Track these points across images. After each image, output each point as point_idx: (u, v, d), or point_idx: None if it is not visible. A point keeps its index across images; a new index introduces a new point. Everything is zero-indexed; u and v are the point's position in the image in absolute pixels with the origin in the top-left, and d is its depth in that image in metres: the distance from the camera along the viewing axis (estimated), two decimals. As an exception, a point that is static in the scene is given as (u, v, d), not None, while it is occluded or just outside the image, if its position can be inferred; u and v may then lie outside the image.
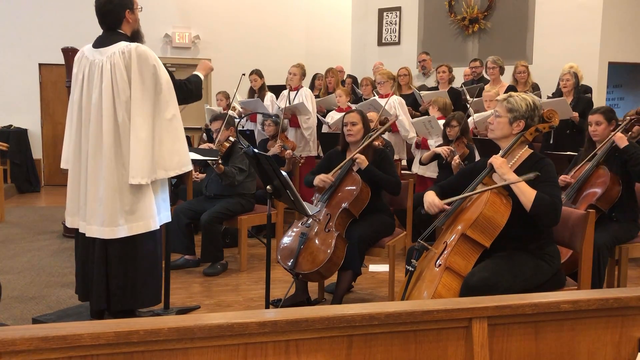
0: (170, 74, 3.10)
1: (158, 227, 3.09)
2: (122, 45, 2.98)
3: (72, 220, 3.17)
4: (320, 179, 3.69)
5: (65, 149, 3.24)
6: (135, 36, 3.14)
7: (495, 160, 2.65)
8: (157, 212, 3.09)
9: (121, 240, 3.00)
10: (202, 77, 3.43)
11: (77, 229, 3.16)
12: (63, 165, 3.26)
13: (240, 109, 6.44)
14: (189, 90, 3.25)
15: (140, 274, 3.07)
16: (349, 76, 8.14)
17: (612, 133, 3.64)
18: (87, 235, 3.06)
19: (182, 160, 3.06)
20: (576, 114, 5.30)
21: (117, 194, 2.97)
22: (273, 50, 9.64)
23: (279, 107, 6.12)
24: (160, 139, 2.99)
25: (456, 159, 4.44)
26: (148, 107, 2.95)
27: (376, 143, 3.79)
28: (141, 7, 3.23)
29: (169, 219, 3.27)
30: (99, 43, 3.08)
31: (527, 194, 2.52)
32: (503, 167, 2.62)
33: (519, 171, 2.66)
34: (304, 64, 6.39)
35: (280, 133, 5.74)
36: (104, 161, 2.96)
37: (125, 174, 2.96)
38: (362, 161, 3.65)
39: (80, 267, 3.18)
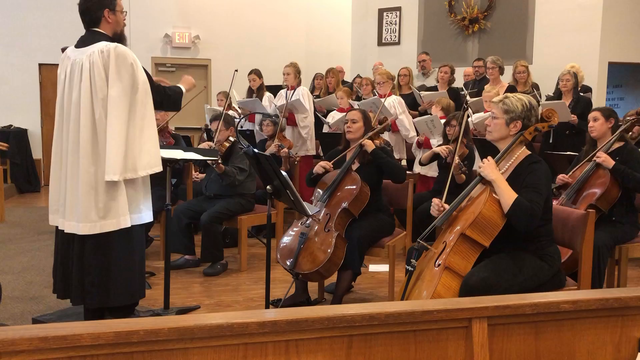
0: (149, 75, 3.13)
1: (129, 225, 3.09)
2: (102, 44, 3.02)
3: (53, 218, 3.22)
4: (320, 165, 3.71)
5: None
6: (118, 39, 3.15)
7: (482, 164, 2.67)
8: (134, 211, 3.11)
9: (96, 236, 3.03)
10: (184, 90, 3.43)
11: (57, 227, 3.19)
12: None
13: (239, 109, 6.43)
14: (166, 95, 3.27)
15: (113, 272, 3.09)
16: (359, 76, 8.14)
17: (596, 152, 3.65)
18: (65, 231, 3.09)
19: (151, 160, 3.08)
20: (575, 117, 5.31)
21: (92, 190, 3.00)
22: (273, 50, 9.64)
23: (276, 106, 6.11)
24: (133, 139, 3.02)
25: (455, 159, 4.44)
26: (124, 105, 2.99)
27: (376, 142, 3.80)
28: (125, 12, 3.26)
29: (151, 219, 3.28)
30: (81, 43, 3.12)
31: (506, 197, 2.53)
32: (487, 169, 2.62)
33: (515, 172, 2.66)
34: (296, 62, 6.37)
35: (278, 132, 5.74)
36: (81, 158, 3.00)
37: (100, 171, 2.99)
38: (369, 145, 3.66)
39: (60, 265, 3.19)
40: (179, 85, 3.44)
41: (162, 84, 3.40)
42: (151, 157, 3.07)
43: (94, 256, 3.05)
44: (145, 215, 3.20)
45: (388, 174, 3.73)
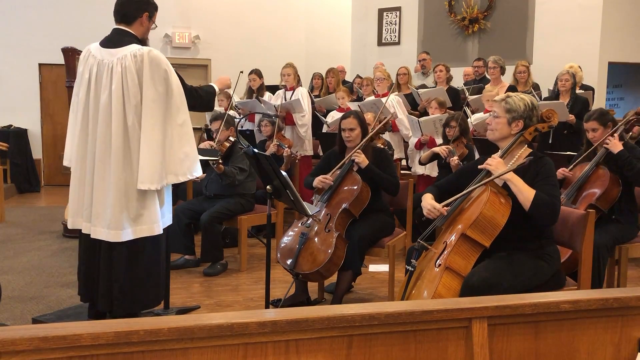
0: (181, 78, 3.08)
1: (162, 232, 3.08)
2: (134, 48, 2.96)
3: (74, 221, 3.14)
4: (319, 180, 3.68)
5: (69, 146, 3.20)
6: (143, 44, 3.11)
7: (491, 162, 2.65)
8: (161, 216, 3.09)
9: (125, 243, 2.99)
10: (217, 89, 3.39)
11: (80, 230, 3.13)
12: (66, 163, 3.22)
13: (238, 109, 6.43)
14: (198, 96, 3.23)
15: (142, 278, 3.07)
16: (359, 76, 8.15)
17: (607, 136, 3.64)
18: (92, 236, 3.04)
19: (192, 165, 3.04)
20: (572, 117, 5.32)
21: (124, 198, 2.95)
22: (273, 50, 9.64)
23: (274, 105, 6.12)
24: (171, 144, 2.97)
25: (455, 160, 4.44)
26: (159, 111, 2.93)
27: (378, 144, 3.79)
28: (155, 26, 3.22)
29: (170, 221, 3.26)
30: (109, 42, 3.04)
31: (525, 193, 2.52)
32: (499, 168, 2.61)
33: (519, 171, 2.66)
34: (293, 63, 6.38)
35: (276, 132, 5.74)
36: (112, 165, 2.94)
37: (132, 178, 2.94)
38: (362, 160, 3.65)
39: (84, 268, 3.15)
40: (211, 84, 3.40)
41: None
42: (192, 162, 3.04)
43: (125, 263, 3.02)
44: (167, 218, 3.19)
45: (382, 188, 3.72)
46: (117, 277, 3.02)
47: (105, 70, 2.97)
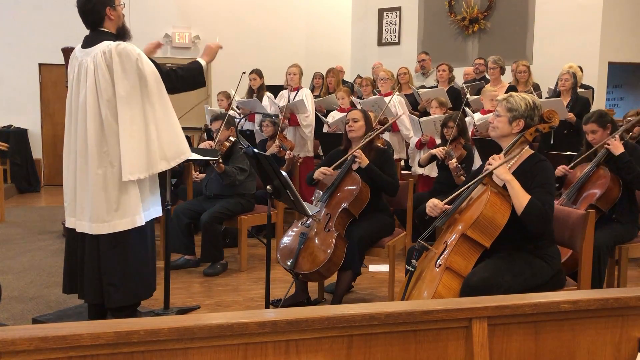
0: (157, 64, 3.09)
1: (144, 223, 3.10)
2: (104, 45, 3.00)
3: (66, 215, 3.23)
4: (319, 172, 3.69)
5: None
6: (121, 33, 3.14)
7: (493, 162, 2.66)
8: (144, 208, 3.11)
9: (110, 236, 3.04)
10: (203, 63, 3.32)
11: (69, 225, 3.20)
12: None
13: (239, 109, 6.43)
14: (178, 77, 3.19)
15: (130, 269, 3.10)
16: (359, 77, 8.16)
17: (608, 137, 3.64)
18: (77, 230, 3.10)
19: (179, 148, 3.07)
20: (572, 115, 5.32)
21: (102, 191, 3.00)
22: (273, 50, 9.64)
23: (279, 106, 6.12)
24: (157, 131, 3.00)
25: (453, 162, 4.41)
26: (136, 102, 2.96)
27: (378, 144, 3.79)
28: (123, 4, 3.21)
29: (160, 214, 3.29)
30: (86, 43, 3.11)
31: (520, 198, 2.53)
32: (500, 170, 2.63)
33: (518, 171, 2.66)
34: (299, 64, 6.40)
35: (278, 133, 5.74)
36: (89, 159, 3.00)
37: (111, 172, 2.99)
38: (363, 160, 3.65)
39: (66, 260, 3.21)
40: (197, 59, 3.34)
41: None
42: (178, 145, 3.07)
43: (111, 256, 3.05)
44: (154, 210, 3.22)
45: (381, 189, 3.73)
46: (105, 270, 3.06)
47: (83, 70, 3.04)
